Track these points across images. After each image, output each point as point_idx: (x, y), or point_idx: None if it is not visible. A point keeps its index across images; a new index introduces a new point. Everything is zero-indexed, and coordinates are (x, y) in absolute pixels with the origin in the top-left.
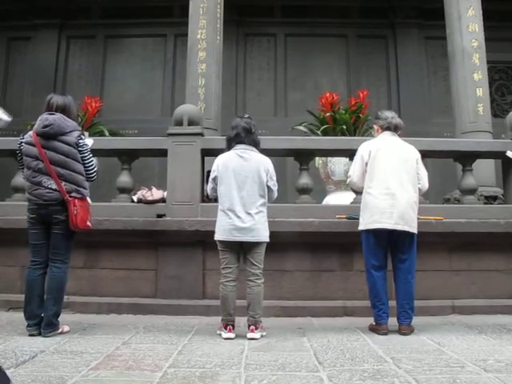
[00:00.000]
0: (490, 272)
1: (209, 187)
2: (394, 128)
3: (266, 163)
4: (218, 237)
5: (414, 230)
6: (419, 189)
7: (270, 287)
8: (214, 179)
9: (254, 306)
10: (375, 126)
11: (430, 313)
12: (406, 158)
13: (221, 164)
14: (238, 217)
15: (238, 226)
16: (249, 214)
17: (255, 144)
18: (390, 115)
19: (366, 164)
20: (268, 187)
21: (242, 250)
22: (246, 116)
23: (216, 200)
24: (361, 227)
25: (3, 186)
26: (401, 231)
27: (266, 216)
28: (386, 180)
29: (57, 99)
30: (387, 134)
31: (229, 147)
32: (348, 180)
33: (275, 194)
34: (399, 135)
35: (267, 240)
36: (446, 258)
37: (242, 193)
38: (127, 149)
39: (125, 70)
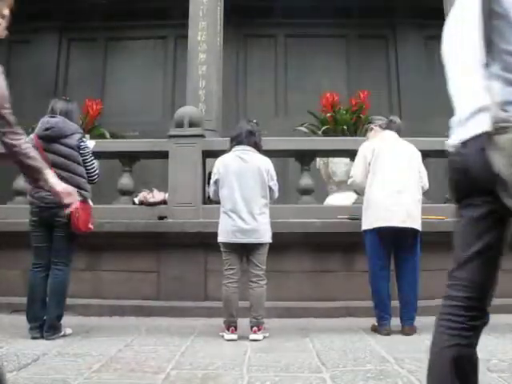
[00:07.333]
0: None
1: (211, 190)
2: (393, 127)
3: (266, 163)
4: (221, 239)
5: (420, 228)
6: (421, 187)
7: (272, 288)
8: (216, 182)
9: (256, 308)
10: (374, 127)
11: (433, 313)
12: (409, 156)
13: (221, 167)
14: (242, 218)
15: (241, 227)
16: (252, 215)
17: (256, 147)
18: (387, 116)
19: (369, 164)
20: (269, 187)
21: (244, 251)
22: (254, 121)
23: (218, 202)
24: (364, 227)
25: (5, 189)
26: (407, 229)
27: (269, 217)
28: (391, 179)
29: (60, 104)
30: (387, 133)
31: (230, 148)
32: (350, 181)
33: (276, 194)
34: (399, 135)
35: (270, 241)
36: (448, 258)
37: (245, 194)
38: (128, 151)
39: (125, 73)
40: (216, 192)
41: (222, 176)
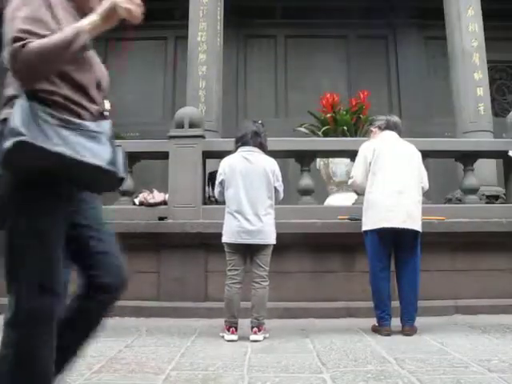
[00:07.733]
0: (492, 271)
1: (216, 191)
2: (393, 127)
3: (271, 164)
4: (225, 239)
5: (420, 229)
6: (421, 187)
7: (272, 289)
8: (221, 183)
9: (258, 308)
10: (373, 129)
11: (433, 313)
12: (409, 156)
13: (227, 167)
14: (247, 219)
15: (246, 228)
16: (257, 215)
17: (262, 147)
18: (386, 115)
19: (370, 164)
20: (274, 188)
21: (249, 252)
22: (259, 122)
23: (217, 202)
24: (365, 227)
25: None
26: (408, 230)
27: (274, 218)
28: (391, 179)
29: None
30: (387, 133)
31: (235, 148)
32: (350, 181)
33: (281, 195)
34: (399, 134)
35: (274, 242)
36: (448, 258)
37: (250, 195)
38: (128, 151)
39: (126, 73)
40: (221, 193)
41: (227, 177)
